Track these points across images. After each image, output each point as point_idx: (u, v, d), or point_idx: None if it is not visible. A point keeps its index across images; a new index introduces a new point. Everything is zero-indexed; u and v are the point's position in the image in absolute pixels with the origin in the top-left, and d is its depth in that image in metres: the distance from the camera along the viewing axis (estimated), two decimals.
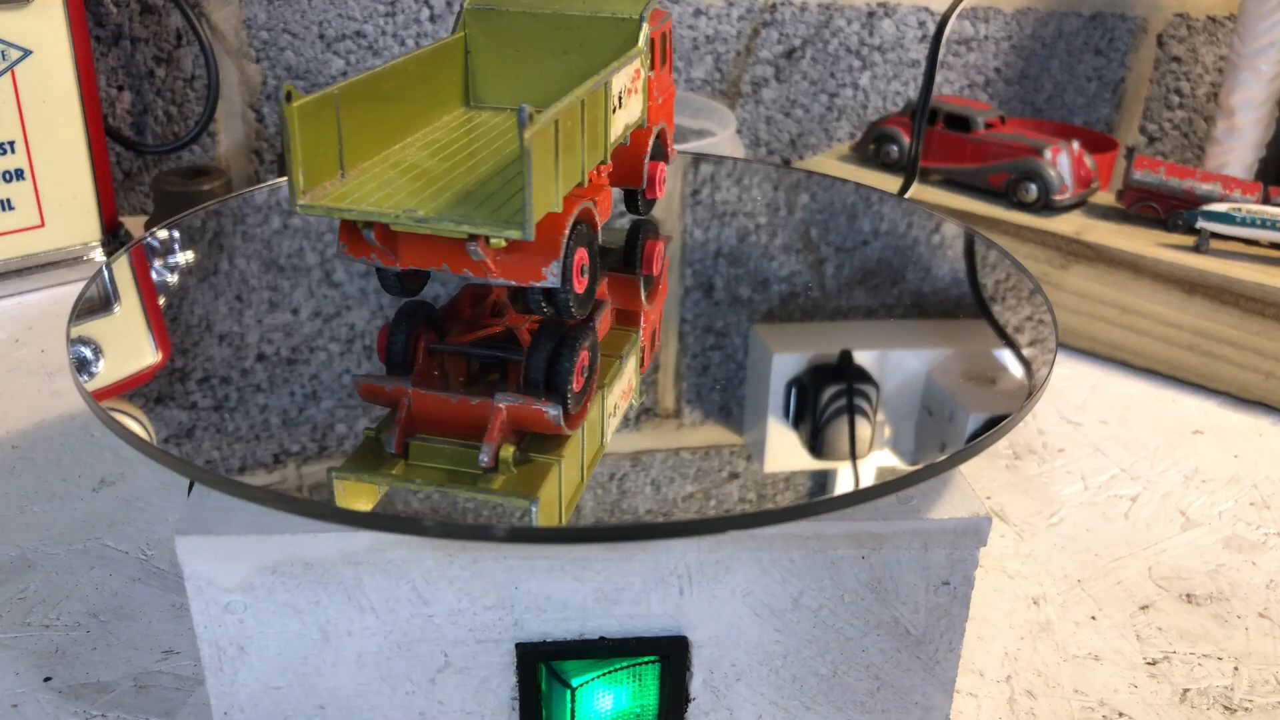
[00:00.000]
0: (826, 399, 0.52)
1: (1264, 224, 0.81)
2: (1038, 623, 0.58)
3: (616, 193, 0.62)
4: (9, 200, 0.89)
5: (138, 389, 0.49)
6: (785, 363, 0.55)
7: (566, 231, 0.44)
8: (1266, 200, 0.85)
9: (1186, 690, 0.54)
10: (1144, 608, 0.59)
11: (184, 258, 0.64)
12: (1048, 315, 0.57)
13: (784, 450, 0.48)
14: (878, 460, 0.48)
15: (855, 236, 0.71)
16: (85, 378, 0.48)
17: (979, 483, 0.70)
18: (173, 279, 0.61)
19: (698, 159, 0.81)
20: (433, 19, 1.08)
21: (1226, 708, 0.53)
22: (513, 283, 0.45)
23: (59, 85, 0.89)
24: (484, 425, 0.44)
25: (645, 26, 0.55)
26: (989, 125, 0.95)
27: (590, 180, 0.54)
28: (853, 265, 0.67)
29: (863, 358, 0.56)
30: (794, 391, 0.53)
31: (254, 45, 1.07)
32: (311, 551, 0.42)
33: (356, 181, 0.46)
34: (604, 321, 0.54)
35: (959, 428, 0.50)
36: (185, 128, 1.09)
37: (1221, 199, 0.85)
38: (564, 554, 0.43)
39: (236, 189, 1.04)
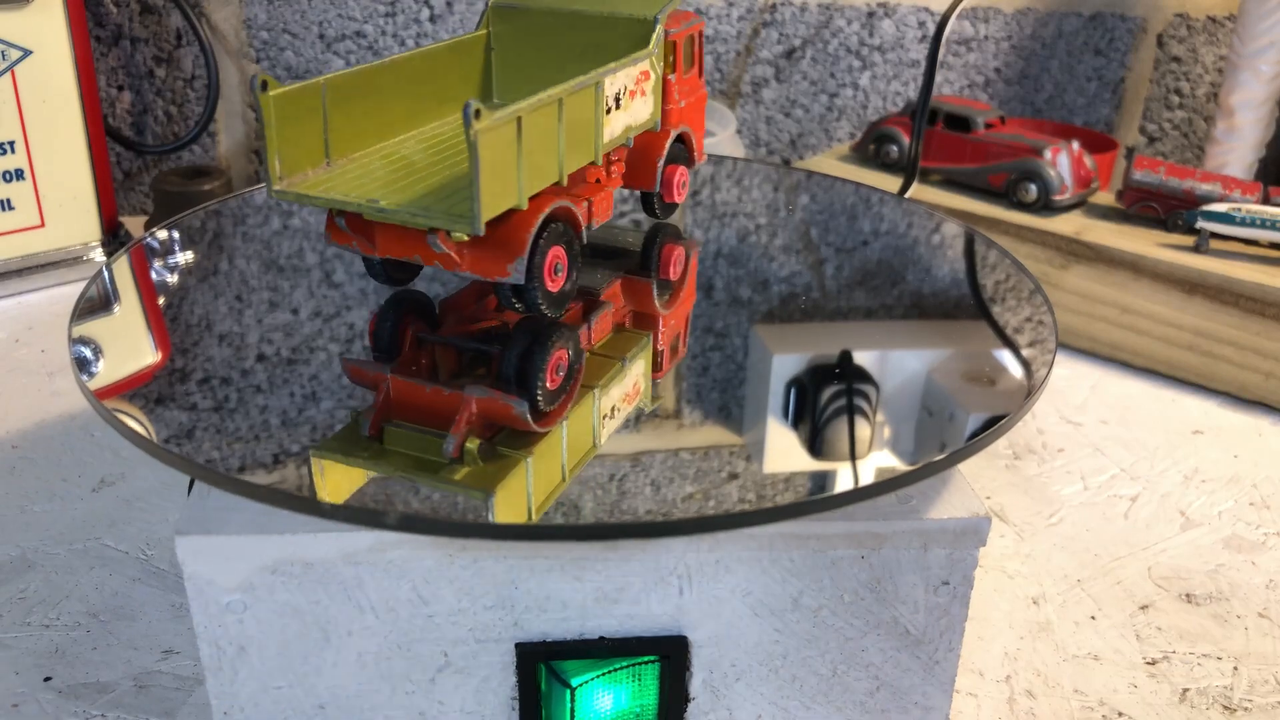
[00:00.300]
0: (826, 399, 0.52)
1: (1264, 224, 0.81)
2: (1037, 623, 0.58)
3: (623, 194, 0.63)
4: (9, 200, 0.89)
5: (138, 389, 0.49)
6: (785, 363, 0.55)
7: (534, 229, 0.45)
8: (1266, 200, 0.85)
9: (1186, 690, 0.54)
10: (1144, 608, 0.60)
11: (184, 258, 0.64)
12: (1047, 315, 0.57)
13: (783, 450, 0.48)
14: (877, 460, 0.48)
15: (855, 237, 0.71)
16: (86, 378, 0.48)
17: (979, 483, 0.70)
18: (173, 279, 0.61)
19: None
20: (433, 19, 1.08)
21: (1226, 707, 0.53)
22: (480, 277, 0.46)
23: (59, 85, 0.89)
24: (455, 416, 0.45)
25: (659, 29, 0.55)
26: (989, 125, 0.95)
27: (588, 179, 0.54)
28: (853, 266, 0.67)
29: (863, 358, 0.56)
30: (794, 392, 0.53)
31: (254, 45, 1.07)
32: (311, 551, 0.42)
33: (340, 171, 0.48)
34: (603, 322, 0.54)
35: (958, 427, 0.50)
36: (185, 128, 1.09)
37: (1221, 199, 0.85)
38: (564, 554, 0.43)
39: (236, 189, 1.04)
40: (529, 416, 0.45)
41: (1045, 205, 0.89)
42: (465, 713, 0.46)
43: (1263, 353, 0.80)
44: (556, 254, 0.48)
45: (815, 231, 0.72)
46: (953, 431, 0.50)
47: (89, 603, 0.56)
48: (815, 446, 0.49)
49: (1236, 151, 1.03)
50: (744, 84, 1.16)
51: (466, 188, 0.46)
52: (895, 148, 0.98)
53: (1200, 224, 0.83)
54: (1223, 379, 0.82)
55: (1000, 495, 0.69)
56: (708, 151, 0.91)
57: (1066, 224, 0.88)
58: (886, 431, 0.50)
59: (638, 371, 0.51)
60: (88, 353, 0.52)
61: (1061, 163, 0.89)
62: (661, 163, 0.58)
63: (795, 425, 0.50)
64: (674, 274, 0.60)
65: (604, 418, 0.47)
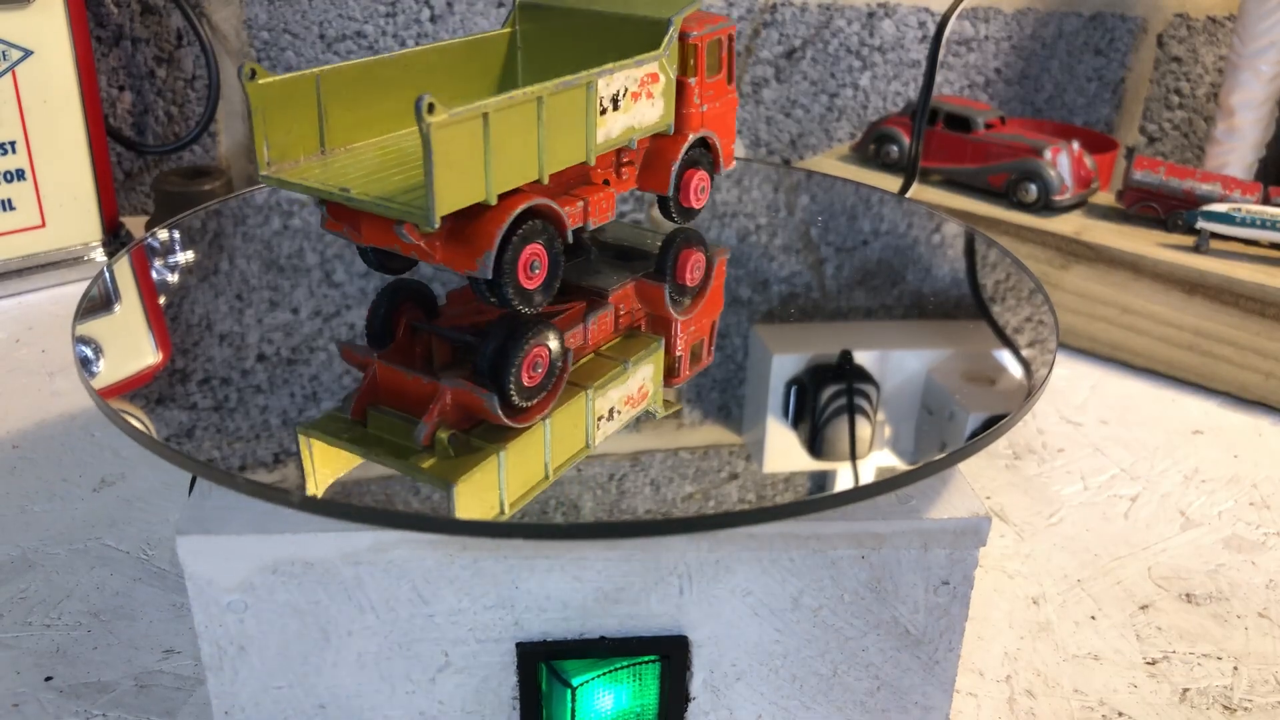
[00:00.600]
0: (826, 399, 0.52)
1: (1264, 224, 0.81)
2: (1037, 622, 0.58)
3: (630, 197, 0.63)
4: (10, 200, 0.89)
5: (139, 389, 0.49)
6: (785, 363, 0.55)
7: (504, 225, 0.46)
8: (1266, 200, 0.85)
9: (1186, 690, 0.54)
10: (1144, 607, 0.60)
11: (185, 258, 0.64)
12: (1048, 315, 0.58)
13: (783, 450, 0.48)
14: (877, 460, 0.48)
15: (855, 236, 0.71)
16: (89, 378, 0.48)
17: (979, 483, 0.70)
18: (174, 279, 0.61)
19: None
20: (433, 19, 1.08)
21: (1226, 707, 0.53)
22: (453, 269, 0.47)
23: (60, 85, 0.89)
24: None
25: (671, 32, 0.55)
26: (989, 125, 0.95)
27: (594, 180, 0.54)
28: (853, 265, 0.67)
29: (863, 358, 0.56)
30: (794, 392, 0.53)
31: (255, 45, 1.07)
32: (312, 551, 0.42)
33: (332, 160, 0.50)
34: (602, 323, 0.54)
35: (959, 427, 0.50)
36: (186, 128, 1.09)
37: (1221, 199, 0.85)
38: (564, 553, 0.43)
39: (237, 189, 1.04)
40: (499, 410, 0.45)
41: (1045, 205, 0.89)
42: (466, 712, 0.46)
43: (1263, 353, 0.80)
44: (533, 251, 0.48)
45: (815, 231, 0.72)
46: (953, 431, 0.50)
47: (90, 602, 0.56)
48: (815, 446, 0.49)
49: (1236, 152, 1.03)
50: (744, 84, 1.16)
51: None
52: (895, 148, 0.98)
53: (1200, 224, 0.83)
54: (1223, 379, 0.82)
55: (1000, 495, 0.69)
56: None
57: (1066, 224, 0.88)
58: (887, 431, 0.50)
59: (644, 375, 0.51)
60: (90, 353, 0.52)
61: (1061, 163, 0.89)
62: (676, 166, 0.57)
63: (795, 425, 0.50)
64: (691, 279, 0.59)
65: (599, 419, 0.47)
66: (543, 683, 0.45)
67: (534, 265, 0.49)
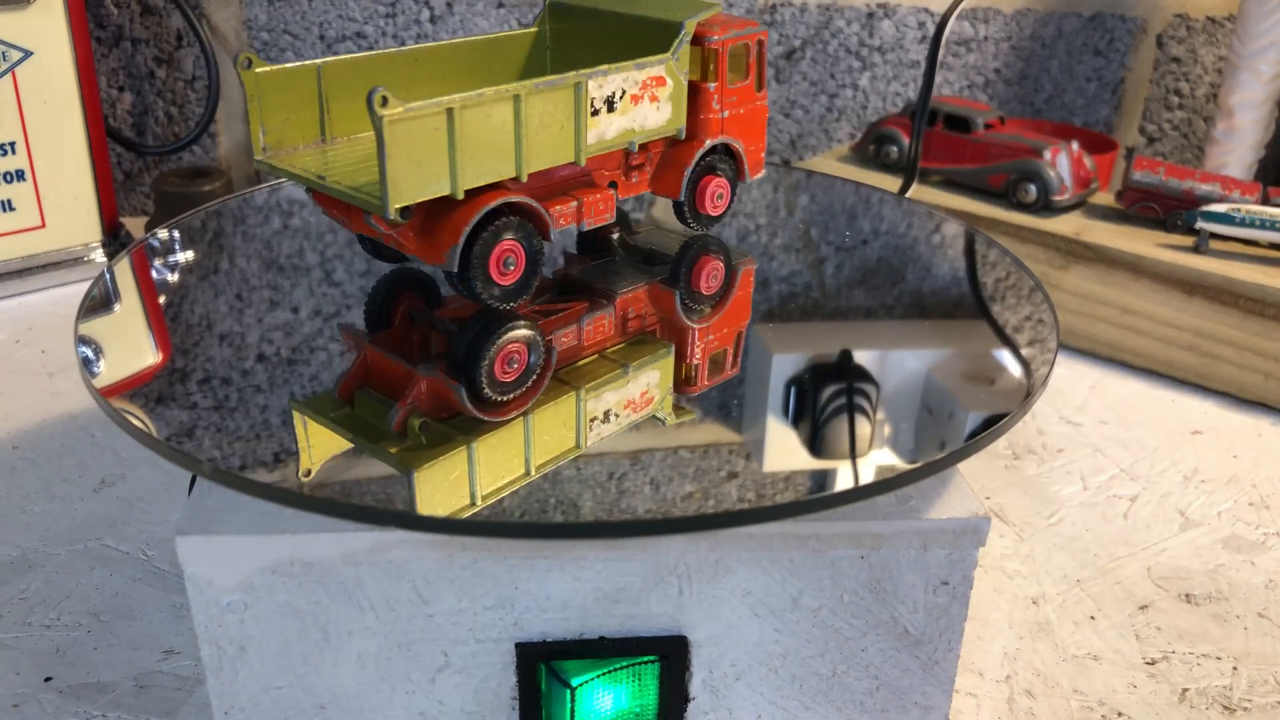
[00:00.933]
0: (826, 399, 0.52)
1: (1263, 224, 0.81)
2: (1037, 622, 0.58)
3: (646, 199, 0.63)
4: (10, 201, 0.89)
5: (140, 388, 0.49)
6: (785, 363, 0.55)
7: (472, 220, 0.47)
8: (1266, 201, 0.85)
9: (1185, 690, 0.54)
10: (1143, 608, 0.60)
11: (186, 258, 0.64)
12: (1048, 314, 0.58)
13: (783, 450, 0.48)
14: (877, 460, 0.48)
15: (855, 236, 0.71)
16: (90, 377, 0.48)
17: (978, 483, 0.70)
18: (175, 279, 0.61)
19: None
20: (433, 20, 1.08)
21: (1225, 707, 0.53)
22: (424, 261, 0.49)
23: (60, 86, 0.89)
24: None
25: (682, 34, 0.54)
26: (988, 126, 0.95)
27: (597, 181, 0.54)
28: (853, 265, 0.67)
29: (863, 357, 0.56)
30: (794, 391, 0.53)
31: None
32: (312, 551, 0.42)
33: (329, 149, 0.52)
34: (600, 325, 0.54)
35: (959, 427, 0.50)
36: (186, 128, 1.09)
37: (1221, 199, 0.85)
38: (563, 553, 0.43)
39: (237, 190, 1.04)
40: (466, 401, 0.46)
41: (1045, 206, 0.89)
42: (465, 713, 0.46)
43: (1262, 353, 0.80)
44: (508, 248, 0.49)
45: (815, 231, 0.72)
46: (952, 431, 0.50)
47: (90, 603, 0.56)
48: (815, 445, 0.49)
49: (1236, 152, 1.03)
50: None
51: None
52: (895, 148, 0.98)
53: (1200, 224, 0.83)
54: (1222, 379, 0.82)
55: (1000, 495, 0.69)
56: None
57: (1066, 224, 0.88)
58: (887, 431, 0.50)
59: (649, 381, 0.51)
60: (91, 353, 0.52)
61: (1061, 163, 0.89)
62: (689, 172, 0.57)
63: (795, 424, 0.50)
64: (707, 287, 0.59)
65: (592, 420, 0.47)
66: (542, 683, 0.45)
67: (508, 262, 0.49)
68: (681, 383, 0.51)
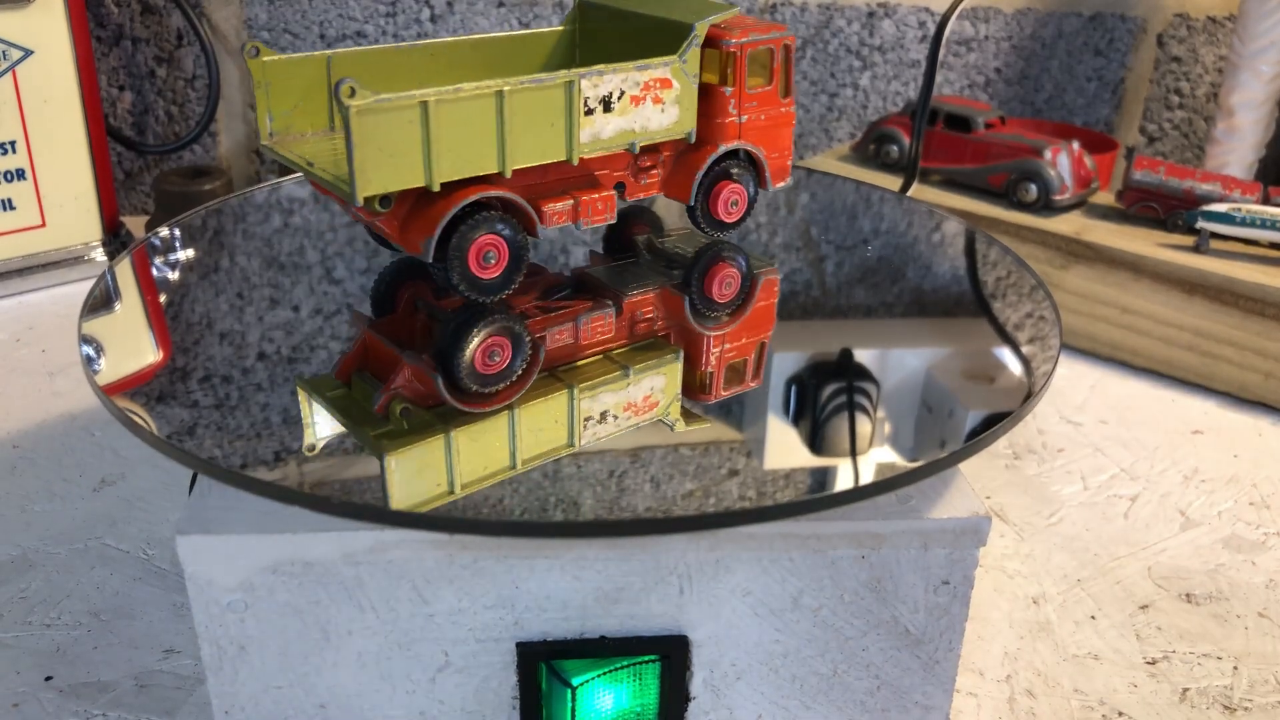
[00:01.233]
0: (827, 397, 0.52)
1: (1264, 224, 0.81)
2: (1037, 622, 0.58)
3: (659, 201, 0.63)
4: (10, 200, 0.89)
5: (141, 387, 0.49)
6: (784, 361, 0.55)
7: (449, 213, 0.48)
8: (1266, 200, 0.85)
9: (1186, 690, 0.54)
10: (1143, 607, 0.60)
11: (187, 258, 0.64)
12: (1050, 313, 0.58)
13: (783, 448, 0.48)
14: (878, 459, 0.48)
15: (858, 235, 0.71)
16: (93, 376, 0.48)
17: (979, 482, 0.70)
18: (176, 279, 0.61)
19: None
20: (433, 19, 1.08)
21: (1226, 707, 0.53)
22: (408, 251, 0.50)
23: (60, 85, 0.89)
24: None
25: (691, 36, 0.54)
26: (989, 125, 0.95)
27: (601, 180, 0.54)
28: (853, 263, 0.67)
29: (864, 356, 0.56)
30: (794, 390, 0.53)
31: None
32: (312, 551, 0.42)
33: (336, 138, 0.53)
34: (599, 324, 0.54)
35: (960, 426, 0.50)
36: (186, 128, 1.09)
37: (1221, 199, 0.85)
38: (564, 553, 0.43)
39: (237, 189, 1.04)
40: (443, 389, 0.47)
41: (1045, 205, 0.89)
42: (466, 712, 0.46)
43: (1263, 353, 0.80)
44: (488, 242, 0.49)
45: (815, 230, 0.72)
46: (953, 430, 0.50)
47: (90, 602, 0.56)
48: (816, 444, 0.49)
49: (1236, 152, 1.03)
50: None
51: None
52: (895, 148, 0.98)
53: (1200, 224, 0.83)
54: (1223, 379, 0.82)
55: (1000, 495, 0.69)
56: None
57: (1066, 224, 0.88)
58: (888, 430, 0.50)
59: (654, 385, 0.50)
60: (93, 352, 0.52)
61: (1061, 163, 0.89)
62: (700, 176, 0.56)
63: (796, 423, 0.50)
64: (719, 294, 0.58)
65: (586, 419, 0.47)
66: (543, 682, 0.45)
67: (488, 256, 0.50)
68: (696, 390, 0.50)
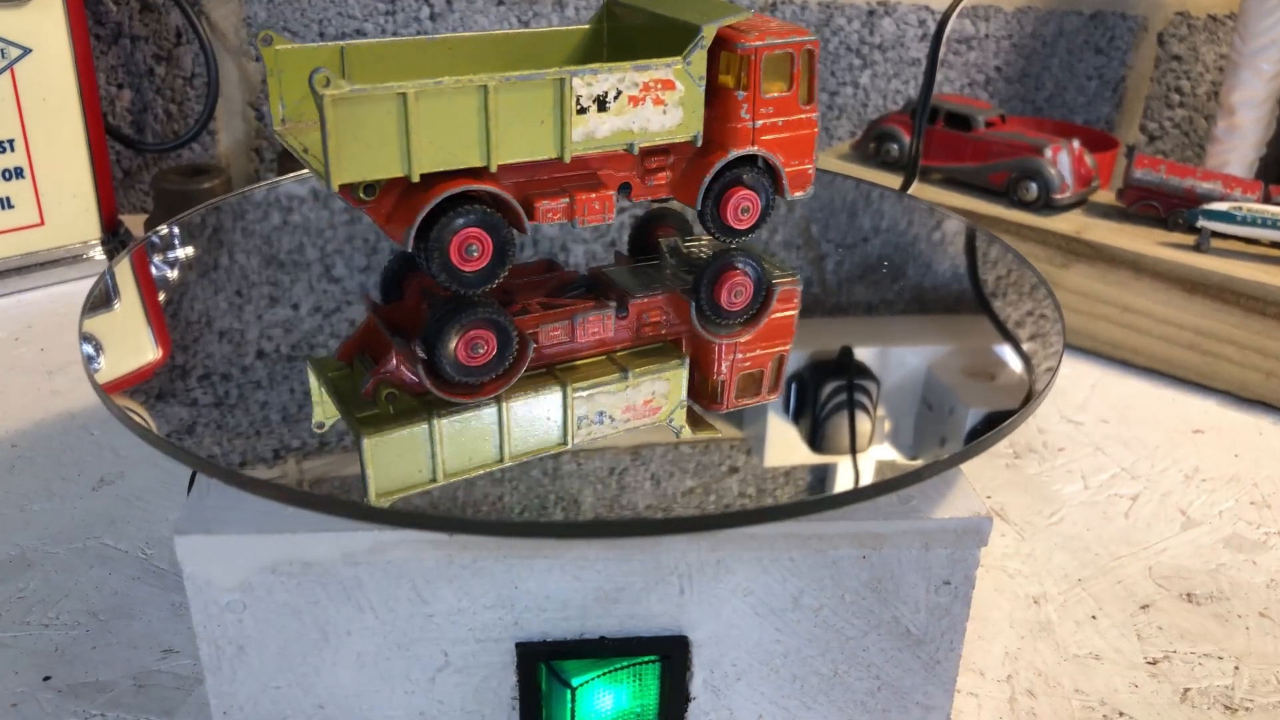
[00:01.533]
0: (827, 396, 0.52)
1: (1264, 223, 0.81)
2: (1038, 622, 0.58)
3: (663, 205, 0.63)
4: (9, 199, 0.89)
5: (142, 385, 0.49)
6: (793, 360, 0.54)
7: (429, 204, 0.49)
8: (1267, 199, 0.85)
9: (1187, 690, 0.54)
10: (1144, 607, 0.59)
11: (187, 256, 0.64)
12: (1052, 312, 0.57)
13: (784, 446, 0.48)
14: (879, 458, 0.47)
15: (856, 233, 0.71)
16: (93, 375, 0.48)
17: (979, 482, 0.70)
18: (176, 278, 0.61)
19: None
20: (433, 17, 1.08)
21: (1227, 707, 0.53)
22: (394, 240, 0.51)
23: (59, 83, 0.89)
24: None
25: (698, 39, 0.53)
26: (989, 124, 0.94)
27: (604, 180, 0.54)
28: (853, 261, 0.67)
29: (867, 354, 0.56)
30: (795, 388, 0.52)
31: (254, 44, 1.07)
32: (311, 551, 0.42)
33: None
34: (596, 324, 0.53)
35: (962, 425, 0.50)
36: (185, 126, 1.09)
37: (1222, 198, 0.85)
38: (563, 552, 0.43)
39: (236, 187, 1.04)
40: (424, 377, 0.48)
41: (1046, 204, 0.89)
42: (465, 712, 0.46)
43: (1263, 352, 0.80)
44: (471, 235, 0.50)
45: (815, 228, 0.72)
46: (955, 429, 0.50)
47: (88, 602, 0.56)
48: (817, 443, 0.49)
49: (1237, 150, 1.03)
50: None
51: None
52: (896, 146, 0.98)
53: (1201, 223, 0.83)
54: (1223, 378, 0.82)
55: (1001, 494, 0.69)
56: None
57: (1067, 223, 0.88)
58: (890, 429, 0.50)
59: (656, 389, 0.50)
60: (93, 351, 0.51)
61: (1062, 161, 0.89)
62: (706, 180, 0.56)
63: (797, 421, 0.50)
64: (729, 302, 0.57)
65: (580, 418, 0.47)
66: (542, 683, 0.45)
67: (470, 249, 0.50)
68: (705, 398, 0.50)
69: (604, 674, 0.44)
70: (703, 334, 0.55)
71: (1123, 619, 0.58)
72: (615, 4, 0.61)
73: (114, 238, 0.96)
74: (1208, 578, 0.62)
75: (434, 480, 0.42)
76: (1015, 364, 0.55)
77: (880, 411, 0.51)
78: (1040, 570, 0.62)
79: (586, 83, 0.51)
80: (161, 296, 0.59)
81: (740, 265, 0.59)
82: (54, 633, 0.54)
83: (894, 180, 0.95)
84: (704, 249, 0.62)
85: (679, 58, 0.53)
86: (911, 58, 1.16)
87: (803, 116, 0.58)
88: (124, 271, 0.60)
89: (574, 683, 0.43)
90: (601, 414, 0.47)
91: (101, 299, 0.56)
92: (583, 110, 0.51)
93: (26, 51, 0.87)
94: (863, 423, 0.50)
